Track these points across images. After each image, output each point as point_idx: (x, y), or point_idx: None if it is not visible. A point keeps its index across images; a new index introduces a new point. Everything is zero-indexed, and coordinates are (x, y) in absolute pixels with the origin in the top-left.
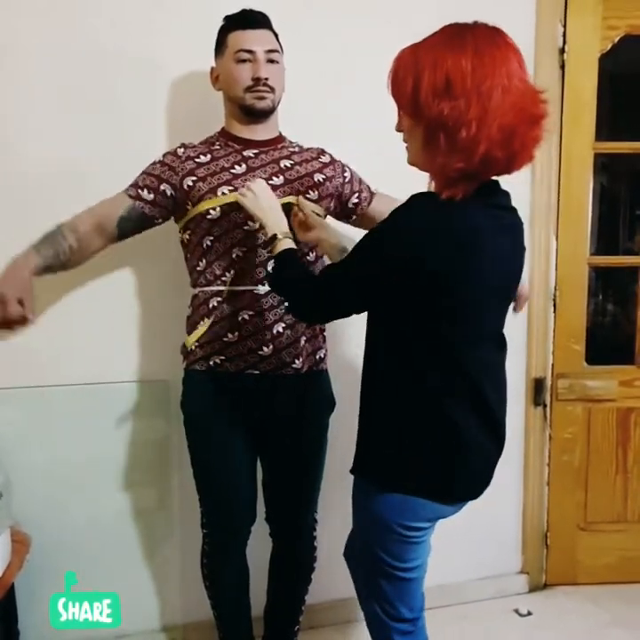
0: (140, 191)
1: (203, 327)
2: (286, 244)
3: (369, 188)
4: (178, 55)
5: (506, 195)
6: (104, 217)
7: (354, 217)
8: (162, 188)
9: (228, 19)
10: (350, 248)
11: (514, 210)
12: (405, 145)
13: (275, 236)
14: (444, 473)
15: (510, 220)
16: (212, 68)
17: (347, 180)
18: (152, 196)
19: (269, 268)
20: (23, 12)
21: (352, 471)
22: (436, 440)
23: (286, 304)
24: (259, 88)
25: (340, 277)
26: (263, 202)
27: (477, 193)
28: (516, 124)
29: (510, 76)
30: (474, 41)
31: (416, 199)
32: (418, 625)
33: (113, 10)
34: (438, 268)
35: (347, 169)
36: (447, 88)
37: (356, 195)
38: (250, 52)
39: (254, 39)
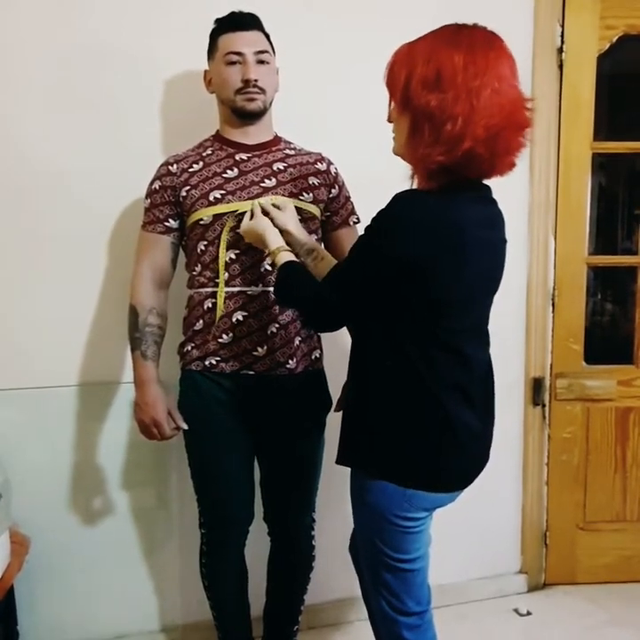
0: (166, 224)
1: (216, 330)
2: (283, 257)
3: (350, 216)
4: (176, 55)
5: (488, 188)
6: (161, 270)
7: (318, 234)
8: (177, 210)
9: (218, 21)
10: (316, 249)
11: (496, 202)
12: (393, 135)
13: (271, 253)
14: (437, 466)
15: (493, 212)
16: (206, 72)
17: (332, 195)
18: (177, 222)
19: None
20: (19, 11)
21: (341, 462)
22: (430, 431)
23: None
24: (249, 90)
25: (340, 284)
26: (251, 228)
27: (463, 187)
28: (501, 127)
29: (501, 78)
30: (469, 40)
31: (401, 196)
32: (425, 618)
33: (110, 9)
34: (426, 261)
35: (337, 186)
36: (437, 81)
37: (330, 214)
38: (239, 54)
39: (243, 41)
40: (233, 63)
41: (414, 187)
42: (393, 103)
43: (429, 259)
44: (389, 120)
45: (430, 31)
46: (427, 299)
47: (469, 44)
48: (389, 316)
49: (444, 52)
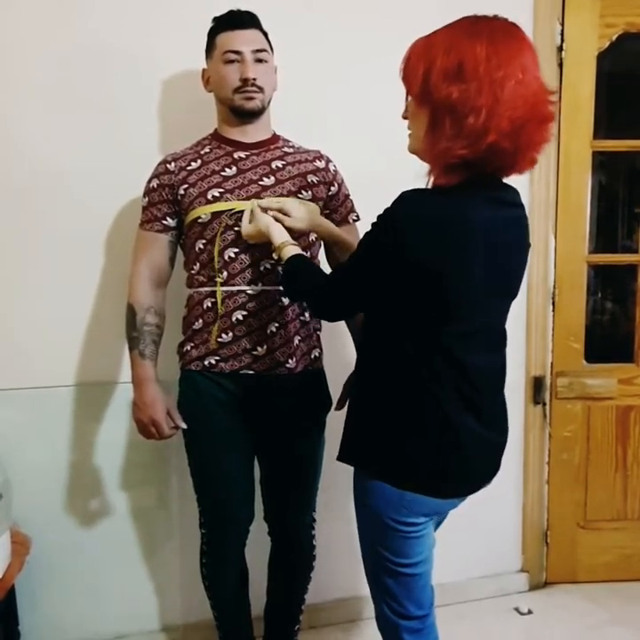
0: (164, 222)
1: (215, 329)
2: (288, 251)
3: (349, 214)
4: (175, 55)
5: (510, 190)
6: (159, 269)
7: None
8: (175, 208)
9: (216, 20)
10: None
11: (519, 205)
12: (408, 132)
13: (277, 247)
14: (436, 468)
15: (512, 214)
16: (204, 71)
17: (331, 192)
18: (175, 220)
19: (281, 280)
20: (19, 11)
21: (341, 458)
22: (430, 435)
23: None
24: (247, 88)
25: (346, 279)
26: (260, 225)
27: (478, 186)
28: (526, 119)
29: (524, 69)
30: (490, 31)
31: (408, 194)
32: (427, 623)
33: (110, 9)
34: (430, 261)
35: (336, 184)
36: (459, 72)
37: (329, 212)
38: (237, 52)
39: (241, 39)
40: (231, 62)
41: (430, 185)
42: (410, 97)
43: (433, 259)
44: (405, 116)
45: (446, 24)
46: (430, 299)
47: (490, 34)
48: (392, 315)
49: (464, 42)
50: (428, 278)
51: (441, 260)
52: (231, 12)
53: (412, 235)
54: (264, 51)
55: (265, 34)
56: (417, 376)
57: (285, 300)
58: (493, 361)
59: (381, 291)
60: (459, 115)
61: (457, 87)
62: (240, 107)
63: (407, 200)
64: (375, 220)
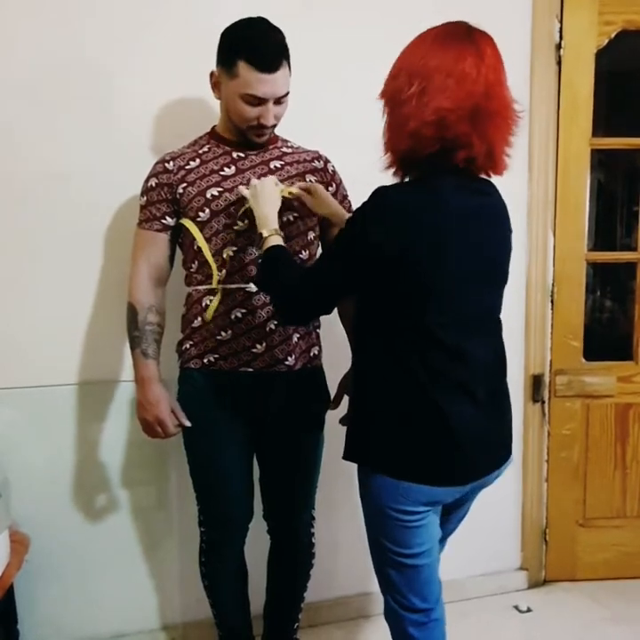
0: (163, 221)
1: (215, 302)
2: (273, 241)
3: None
4: (172, 54)
5: (483, 181)
6: (158, 268)
7: (316, 231)
8: (174, 207)
9: (242, 45)
10: None
11: (494, 194)
12: None
13: (262, 234)
14: (430, 456)
15: (487, 202)
16: (212, 73)
17: (330, 192)
18: (174, 219)
19: (257, 267)
20: (15, 10)
21: (345, 457)
22: (420, 423)
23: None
24: (262, 130)
25: (315, 280)
26: (263, 197)
27: (450, 176)
28: (450, 110)
29: (459, 63)
30: (436, 33)
31: (380, 188)
32: (432, 617)
33: (107, 10)
34: (402, 251)
35: (334, 184)
36: (398, 73)
37: None
38: (261, 98)
39: (268, 87)
40: (252, 104)
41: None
42: None
43: (405, 248)
44: None
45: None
46: (409, 289)
47: (436, 36)
48: (377, 310)
49: (414, 49)
50: (403, 268)
51: (412, 248)
52: (262, 46)
53: (381, 227)
54: (287, 94)
55: (288, 60)
56: (408, 369)
57: None
58: (488, 348)
59: (355, 286)
60: (394, 107)
61: (393, 84)
62: (250, 139)
63: (378, 194)
64: (352, 215)
